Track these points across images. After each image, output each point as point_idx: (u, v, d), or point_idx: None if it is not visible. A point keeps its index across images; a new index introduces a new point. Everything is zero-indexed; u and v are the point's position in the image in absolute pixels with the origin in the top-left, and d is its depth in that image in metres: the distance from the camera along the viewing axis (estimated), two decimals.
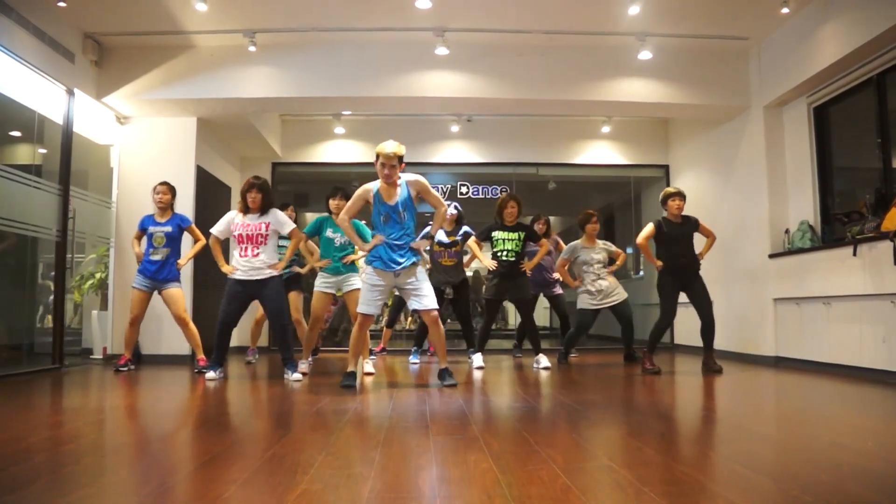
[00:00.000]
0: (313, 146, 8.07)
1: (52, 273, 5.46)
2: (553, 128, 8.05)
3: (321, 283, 4.93)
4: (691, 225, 5.09)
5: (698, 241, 5.16)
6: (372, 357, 5.51)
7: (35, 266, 5.53)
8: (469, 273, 6.28)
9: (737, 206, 6.40)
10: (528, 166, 8.18)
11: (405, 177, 4.10)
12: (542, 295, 6.45)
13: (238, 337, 7.39)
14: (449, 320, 7.80)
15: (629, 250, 8.13)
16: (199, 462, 2.13)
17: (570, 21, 5.62)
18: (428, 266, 5.42)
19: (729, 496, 1.70)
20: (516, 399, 3.67)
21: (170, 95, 5.93)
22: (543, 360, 5.29)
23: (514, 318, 7.99)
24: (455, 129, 7.91)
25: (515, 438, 2.49)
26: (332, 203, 4.92)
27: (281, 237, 4.83)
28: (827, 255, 5.04)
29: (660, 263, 5.02)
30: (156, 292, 5.15)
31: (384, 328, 7.07)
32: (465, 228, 5.79)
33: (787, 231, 5.80)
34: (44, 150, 5.40)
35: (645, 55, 5.82)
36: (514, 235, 5.41)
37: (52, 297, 5.55)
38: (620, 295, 5.68)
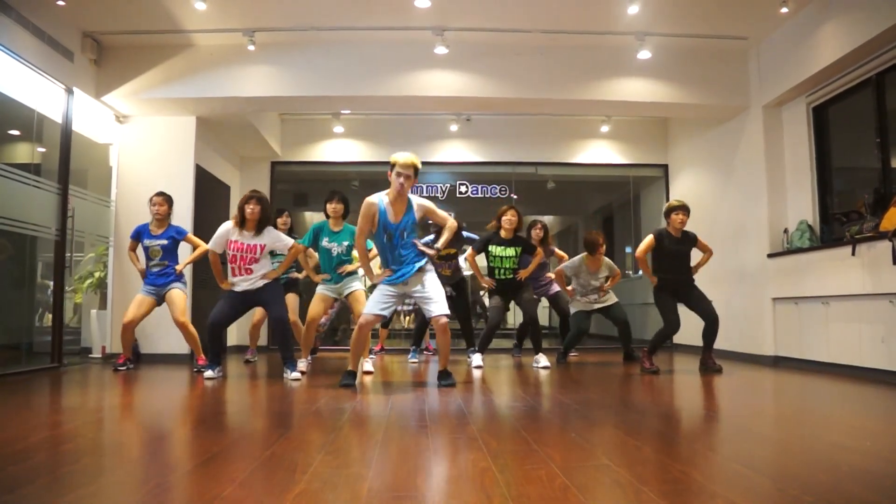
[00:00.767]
0: (312, 145, 8.07)
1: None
2: (552, 127, 8.05)
3: (322, 287, 4.92)
4: (690, 241, 5.06)
5: (695, 255, 5.15)
6: (371, 356, 5.50)
7: (34, 265, 5.52)
8: (467, 273, 6.29)
9: (736, 205, 6.41)
10: (527, 166, 8.18)
11: (414, 199, 4.06)
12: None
13: (237, 336, 7.40)
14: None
15: (628, 249, 8.14)
16: (197, 461, 2.13)
17: (569, 20, 5.61)
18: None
19: (728, 496, 1.70)
20: (515, 398, 3.67)
21: (169, 94, 5.92)
22: (543, 360, 5.29)
23: (513, 318, 7.98)
24: (454, 128, 7.91)
25: (514, 438, 2.49)
26: (330, 207, 4.90)
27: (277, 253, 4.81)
28: (826, 254, 5.04)
29: (655, 280, 5.02)
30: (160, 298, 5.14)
31: (380, 328, 7.07)
32: (467, 234, 5.73)
33: (785, 231, 5.80)
34: (43, 149, 5.39)
35: (644, 55, 5.82)
36: (511, 251, 5.34)
37: (50, 291, 5.54)
38: (611, 298, 5.80)
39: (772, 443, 2.55)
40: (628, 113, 7.49)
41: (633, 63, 5.95)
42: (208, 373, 4.49)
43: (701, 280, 5.13)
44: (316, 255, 5.08)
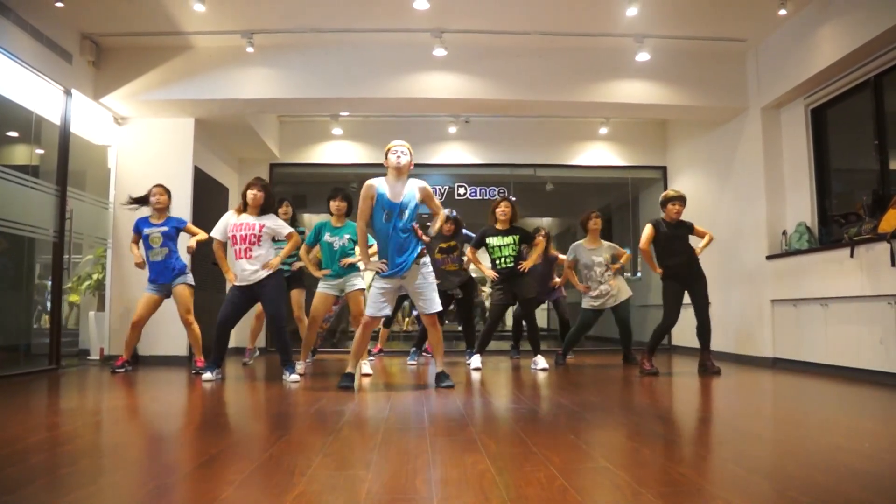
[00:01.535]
0: (311, 147, 8.07)
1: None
2: (551, 129, 8.05)
3: (323, 284, 4.93)
4: (686, 228, 5.10)
5: (695, 244, 5.15)
6: (370, 358, 5.50)
7: (32, 267, 5.51)
8: (475, 276, 6.32)
9: (734, 207, 6.41)
10: (525, 167, 8.19)
11: (413, 181, 4.12)
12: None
13: (236, 338, 7.39)
14: (447, 321, 7.79)
15: (627, 250, 8.13)
16: (196, 463, 2.13)
17: (567, 22, 5.62)
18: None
19: (726, 497, 1.70)
20: (514, 400, 3.67)
21: (167, 96, 5.92)
22: (541, 362, 5.30)
23: (511, 319, 7.98)
24: (453, 130, 7.91)
25: (513, 440, 2.49)
26: (333, 205, 4.93)
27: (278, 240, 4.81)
28: (824, 256, 5.05)
29: (660, 270, 5.04)
30: (167, 295, 5.14)
31: (381, 328, 7.06)
32: (465, 232, 5.84)
33: (784, 232, 5.80)
34: (41, 151, 5.39)
35: (643, 56, 5.83)
36: (509, 240, 5.39)
37: (48, 293, 5.53)
38: (623, 293, 5.68)
39: (770, 444, 2.55)
40: (627, 115, 7.50)
41: (631, 65, 5.96)
42: (207, 375, 4.49)
43: (706, 279, 5.12)
44: (319, 257, 5.07)
